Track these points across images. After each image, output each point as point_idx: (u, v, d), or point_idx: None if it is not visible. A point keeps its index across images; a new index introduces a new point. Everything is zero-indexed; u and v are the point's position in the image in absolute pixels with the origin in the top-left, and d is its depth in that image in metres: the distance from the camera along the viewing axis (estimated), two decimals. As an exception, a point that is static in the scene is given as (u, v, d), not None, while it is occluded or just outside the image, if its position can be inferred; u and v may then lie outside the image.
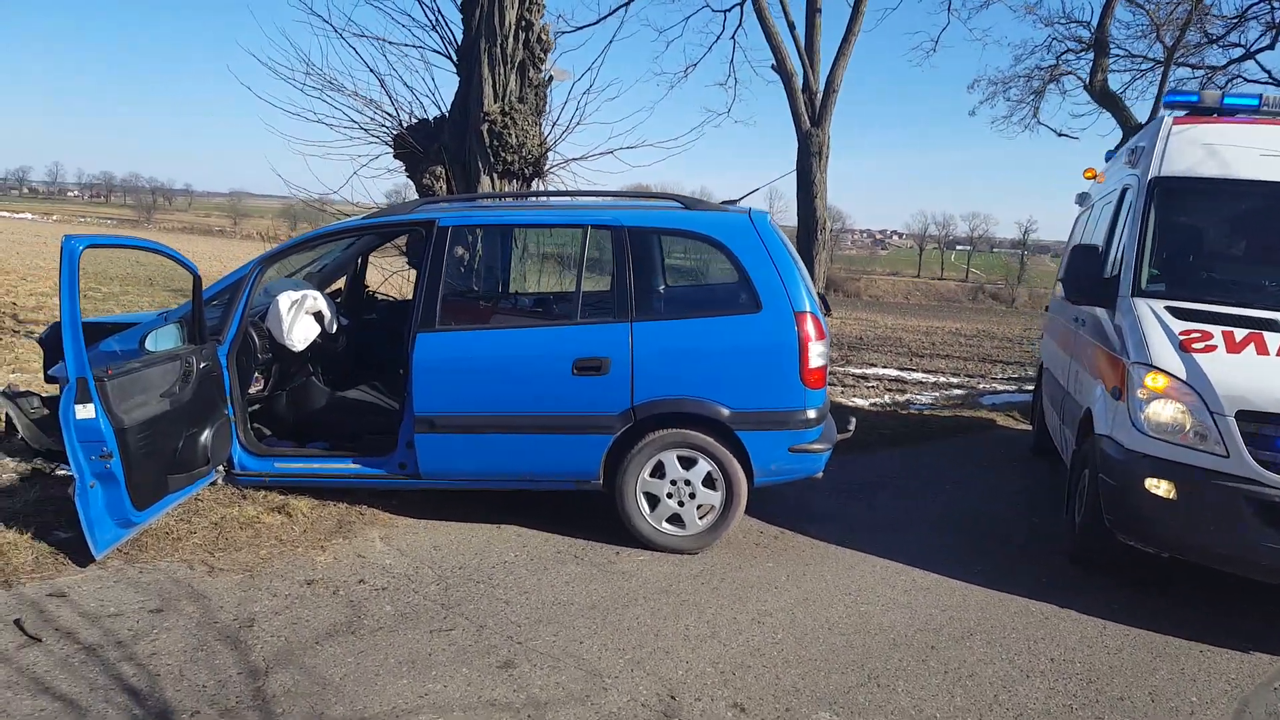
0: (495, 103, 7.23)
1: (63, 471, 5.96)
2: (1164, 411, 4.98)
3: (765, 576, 5.03)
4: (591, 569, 4.97)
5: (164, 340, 4.96)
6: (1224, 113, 6.62)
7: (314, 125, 8.48)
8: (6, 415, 5.65)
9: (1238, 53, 20.57)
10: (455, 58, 7.73)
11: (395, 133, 7.89)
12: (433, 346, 5.21)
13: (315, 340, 5.73)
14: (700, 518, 5.27)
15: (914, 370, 14.91)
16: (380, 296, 7.00)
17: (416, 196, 8.08)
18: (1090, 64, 19.98)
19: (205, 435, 5.06)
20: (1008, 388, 14.21)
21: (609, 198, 5.84)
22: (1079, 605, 4.97)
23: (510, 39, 6.97)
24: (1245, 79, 21.85)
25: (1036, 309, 60.43)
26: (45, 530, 4.72)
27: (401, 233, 5.75)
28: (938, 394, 12.87)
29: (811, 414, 5.20)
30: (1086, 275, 6.09)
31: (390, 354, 6.44)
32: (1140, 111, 19.87)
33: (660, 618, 4.40)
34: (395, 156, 7.93)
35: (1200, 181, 6.15)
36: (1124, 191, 6.90)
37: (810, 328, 5.13)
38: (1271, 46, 20.44)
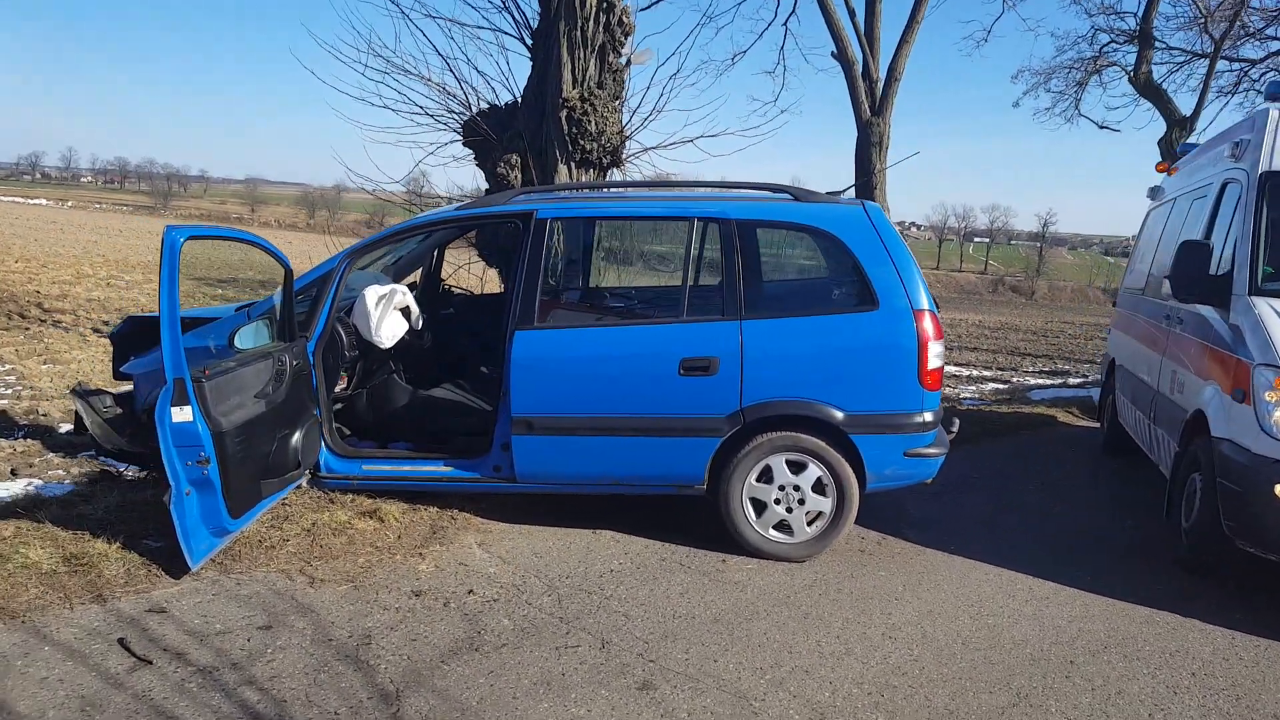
0: (574, 88, 6.98)
1: (131, 474, 5.77)
2: (1297, 415, 4.74)
3: (881, 587, 4.80)
4: (701, 578, 4.75)
5: (254, 337, 4.73)
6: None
7: (379, 111, 8.22)
8: (76, 413, 5.45)
9: (1276, 45, 20.24)
10: (529, 40, 7.47)
11: (465, 119, 7.64)
12: (532, 345, 4.98)
13: (402, 337, 5.50)
14: (809, 524, 5.04)
15: (946, 364, 14.70)
16: (457, 290, 6.76)
17: (486, 186, 7.86)
18: (1133, 56, 19.68)
19: (296, 437, 4.84)
20: (1051, 381, 13.98)
21: (708, 189, 5.59)
22: (1200, 614, 4.75)
23: (591, 21, 6.71)
24: (1278, 72, 21.52)
25: (1057, 302, 60.42)
26: (133, 539, 4.50)
27: (497, 224, 5.51)
28: (975, 388, 12.66)
29: (929, 417, 4.97)
30: (1196, 273, 5.83)
31: (468, 350, 6.23)
32: (1183, 104, 19.51)
33: (788, 632, 4.17)
34: (465, 144, 7.69)
35: (1314, 176, 5.89)
36: (1224, 186, 6.63)
37: (929, 326, 4.89)
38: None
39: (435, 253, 6.50)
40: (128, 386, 5.49)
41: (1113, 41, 21.56)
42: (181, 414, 4.08)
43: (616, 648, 3.90)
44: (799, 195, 5.25)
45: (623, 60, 7.21)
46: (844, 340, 4.90)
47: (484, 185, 7.98)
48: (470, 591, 4.39)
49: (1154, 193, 9.76)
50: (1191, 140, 13.43)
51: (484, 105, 7.53)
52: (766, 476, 5.01)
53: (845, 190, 5.48)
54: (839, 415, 4.88)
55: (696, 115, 14.13)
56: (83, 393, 5.32)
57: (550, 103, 7.05)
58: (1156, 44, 20.09)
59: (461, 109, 7.65)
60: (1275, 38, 20.37)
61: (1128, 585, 5.06)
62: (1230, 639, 4.49)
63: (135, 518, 4.74)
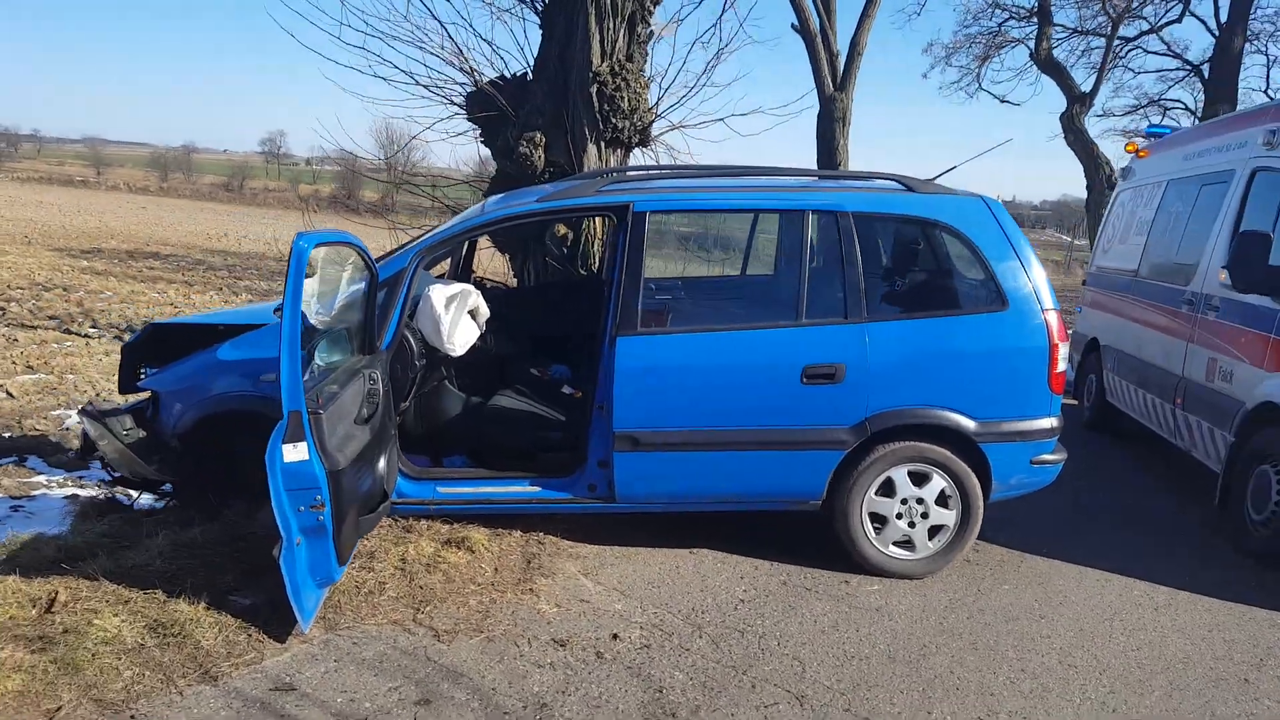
0: (604, 61, 6.40)
1: (144, 502, 5.01)
2: None
3: (1016, 604, 4.56)
4: (838, 605, 4.40)
5: (335, 351, 4.08)
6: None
7: (345, 74, 7.38)
8: (83, 435, 4.66)
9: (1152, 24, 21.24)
10: (538, 5, 6.82)
11: (470, 91, 6.94)
12: (636, 352, 4.48)
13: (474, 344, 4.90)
14: (930, 539, 4.76)
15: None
16: (490, 284, 6.13)
17: (495, 166, 7.20)
18: (1033, 32, 20.22)
19: (382, 463, 4.23)
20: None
21: (808, 177, 5.17)
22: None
23: (621, -13, 6.14)
24: (1145, 50, 22.68)
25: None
26: (216, 595, 3.80)
27: (586, 217, 4.95)
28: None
29: (1055, 423, 4.74)
30: (1258, 263, 5.80)
31: (518, 352, 5.65)
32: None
33: (970, 669, 3.86)
34: (470, 119, 7.00)
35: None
36: (1254, 174, 6.66)
37: (1057, 327, 4.65)
38: (1179, 20, 21.18)
39: (467, 243, 5.85)
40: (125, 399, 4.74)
41: (1012, 17, 22.14)
42: (295, 452, 3.44)
43: (816, 701, 3.51)
44: (911, 185, 4.90)
45: (649, 30, 6.67)
46: (973, 343, 4.61)
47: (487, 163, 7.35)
48: (615, 636, 3.91)
49: (1125, 173, 9.84)
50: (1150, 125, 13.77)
51: (491, 77, 6.84)
52: (887, 489, 4.69)
53: (939, 176, 5.16)
54: (970, 424, 4.60)
55: (731, 94, 13.57)
56: (96, 413, 4.53)
57: (577, 76, 6.46)
58: (1055, 24, 20.72)
59: (464, 80, 6.95)
60: (1142, 16, 21.35)
61: (1222, 583, 4.98)
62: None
63: (200, 565, 4.01)
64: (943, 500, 4.71)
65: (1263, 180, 6.67)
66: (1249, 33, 18.72)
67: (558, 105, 6.58)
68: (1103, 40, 20.88)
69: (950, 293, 4.77)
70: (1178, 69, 23.14)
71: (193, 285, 16.30)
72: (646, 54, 6.75)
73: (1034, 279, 4.67)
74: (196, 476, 4.71)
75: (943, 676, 3.79)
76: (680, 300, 4.99)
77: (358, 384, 3.99)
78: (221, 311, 5.52)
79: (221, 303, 13.85)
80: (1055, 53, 19.61)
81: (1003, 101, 22.83)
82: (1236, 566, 5.28)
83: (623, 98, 6.40)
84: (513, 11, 7.02)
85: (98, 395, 7.34)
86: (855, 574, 4.75)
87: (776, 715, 3.40)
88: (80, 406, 4.67)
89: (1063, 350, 4.67)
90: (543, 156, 6.48)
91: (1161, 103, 24.56)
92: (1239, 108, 13.66)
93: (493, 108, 6.69)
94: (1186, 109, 25.24)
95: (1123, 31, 21.14)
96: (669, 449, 4.54)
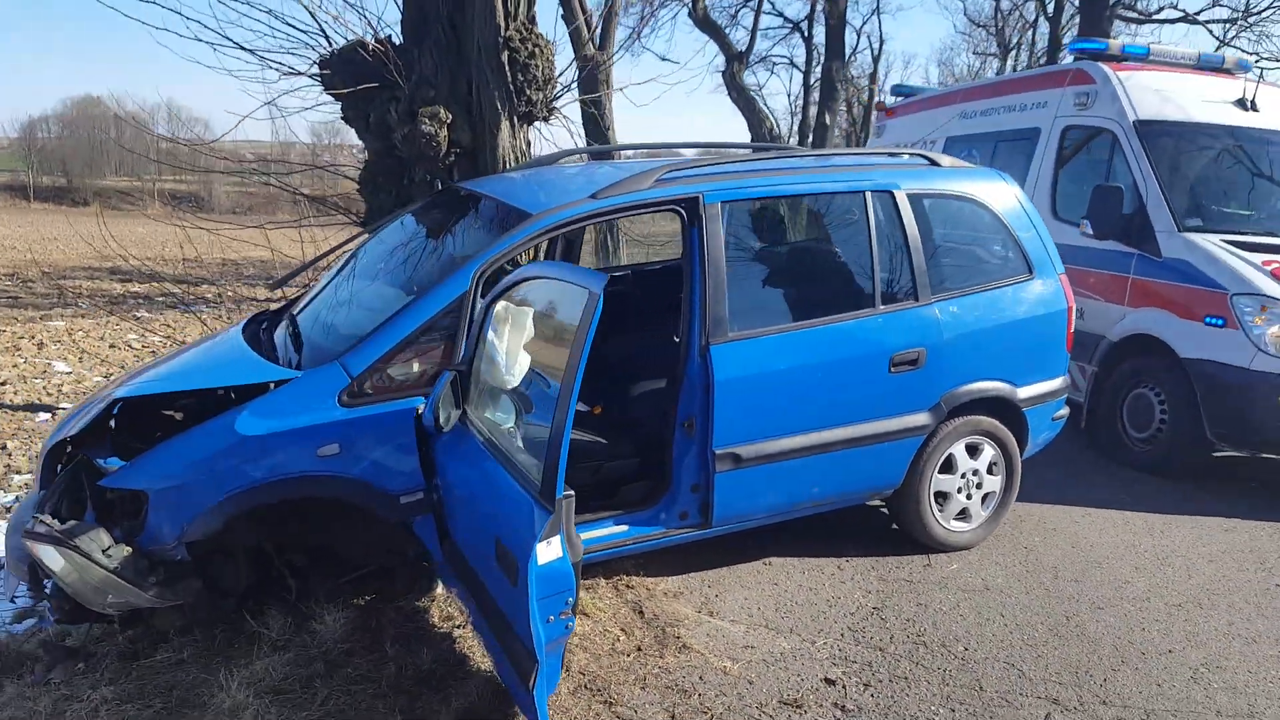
0: (511, 22, 5.55)
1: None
2: (1289, 334, 5.66)
3: (1075, 555, 4.80)
4: (949, 591, 4.35)
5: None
6: (1126, 59, 7.50)
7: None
8: (30, 568, 3.34)
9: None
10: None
11: (325, 56, 5.68)
12: (732, 361, 4.02)
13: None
14: (983, 507, 4.86)
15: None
16: None
17: (361, 144, 6.05)
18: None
19: None
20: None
21: (847, 156, 4.88)
22: (1240, 513, 5.51)
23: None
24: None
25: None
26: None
27: (652, 213, 4.24)
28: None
29: (1068, 379, 5.04)
30: (1114, 214, 6.56)
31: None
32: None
33: (1118, 613, 4.02)
34: (328, 90, 5.73)
35: (1172, 125, 6.95)
36: (1065, 131, 7.53)
37: (1068, 289, 4.92)
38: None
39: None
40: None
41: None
42: (549, 551, 2.67)
43: (1071, 700, 3.44)
44: (938, 161, 4.86)
45: (536, -12, 5.89)
46: (1013, 312, 4.72)
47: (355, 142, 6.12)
48: (828, 681, 3.54)
49: (879, 131, 10.66)
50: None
51: (333, 43, 5.63)
52: (947, 466, 4.70)
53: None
54: (1020, 392, 4.74)
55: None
56: (56, 535, 3.21)
57: (480, 42, 5.54)
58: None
59: (317, 42, 5.67)
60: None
61: (1151, 500, 5.66)
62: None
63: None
64: (991, 468, 4.82)
65: (1074, 136, 7.55)
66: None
67: (454, 76, 5.64)
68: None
69: (988, 265, 4.83)
70: (780, 26, 25.78)
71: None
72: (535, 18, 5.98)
73: (1049, 247, 4.89)
74: (218, 591, 3.52)
75: (1112, 629, 3.92)
76: (761, 295, 4.54)
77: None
78: (170, 367, 4.11)
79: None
80: (711, 13, 20.63)
81: (663, 59, 23.76)
82: (1161, 481, 5.99)
83: (537, 65, 5.62)
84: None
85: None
86: (922, 554, 4.73)
87: (1044, 716, 3.30)
88: (26, 529, 3.19)
89: (1074, 310, 4.95)
90: (447, 136, 5.53)
91: (770, 58, 27.18)
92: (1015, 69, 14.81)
93: (368, 78, 5.56)
94: (792, 64, 28.11)
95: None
96: (770, 461, 4.17)
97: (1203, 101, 7.14)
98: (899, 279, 4.47)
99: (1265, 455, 6.06)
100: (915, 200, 4.55)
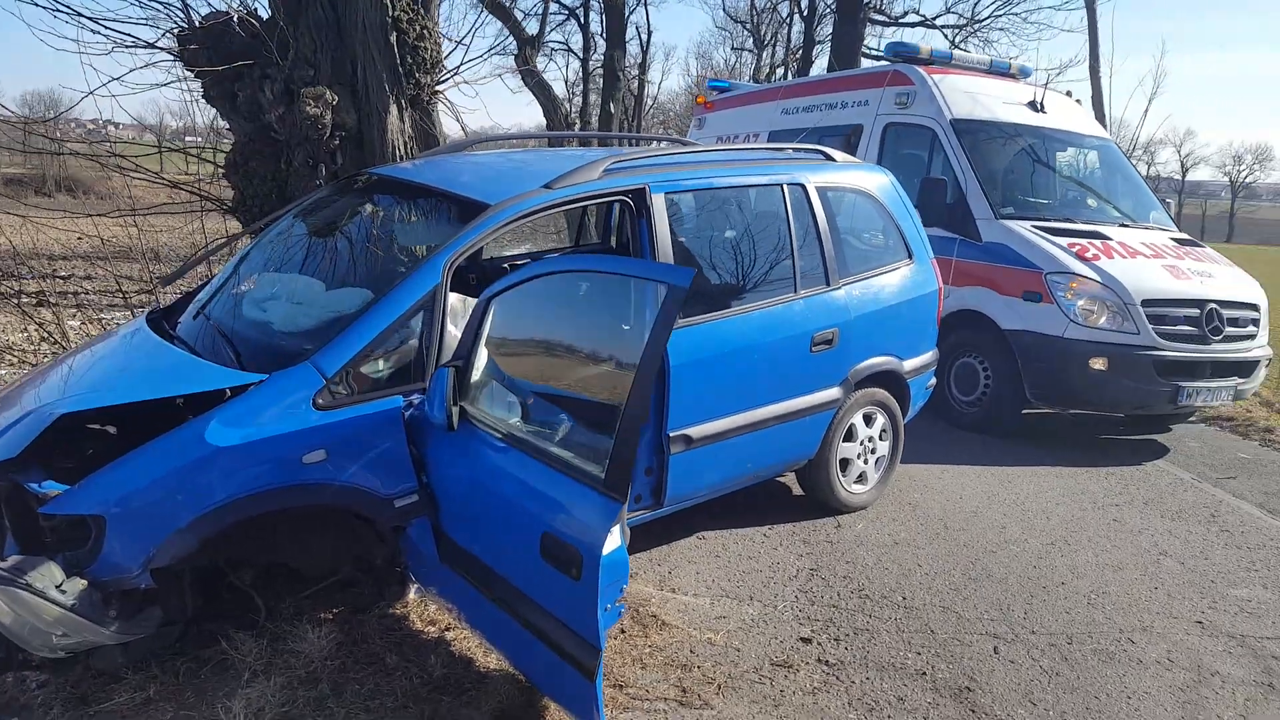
0: (398, 2, 5.34)
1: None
2: (1093, 307, 6.59)
3: (960, 503, 5.40)
4: (867, 548, 4.78)
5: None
6: (934, 63, 8.35)
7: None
8: None
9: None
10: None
11: (184, 32, 5.22)
12: (685, 346, 4.21)
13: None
14: (876, 470, 5.35)
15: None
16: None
17: (229, 125, 5.63)
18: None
19: None
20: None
21: (759, 150, 5.08)
22: (1051, 461, 6.41)
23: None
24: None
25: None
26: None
27: (603, 203, 4.20)
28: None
29: (937, 352, 5.62)
30: (939, 203, 7.31)
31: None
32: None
33: (1023, 547, 4.59)
34: (189, 67, 5.27)
35: (981, 124, 7.81)
36: (887, 128, 8.26)
37: (939, 272, 5.49)
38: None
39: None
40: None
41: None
42: (614, 540, 2.75)
43: (1007, 631, 3.94)
44: (833, 156, 5.24)
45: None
46: (901, 294, 5.21)
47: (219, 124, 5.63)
48: (805, 640, 3.82)
49: (699, 123, 11.12)
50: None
51: (209, 12, 5.20)
52: (849, 435, 5.13)
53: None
54: (904, 365, 5.24)
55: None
56: (2, 574, 2.90)
57: (365, 21, 5.30)
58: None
59: (175, 17, 5.19)
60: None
61: (989, 455, 6.49)
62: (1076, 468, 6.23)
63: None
64: (882, 435, 5.31)
65: (893, 134, 8.28)
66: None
67: (336, 56, 5.38)
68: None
69: (875, 251, 5.26)
70: (556, 12, 25.88)
71: None
72: (408, -4, 5.80)
73: (921, 234, 5.43)
74: (193, 617, 3.27)
75: (1010, 569, 4.48)
76: (702, 282, 4.66)
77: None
78: (94, 376, 3.69)
79: None
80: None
81: (449, 40, 23.02)
82: (988, 438, 6.79)
83: (425, 48, 5.49)
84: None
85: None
86: (829, 516, 5.16)
87: (993, 650, 3.77)
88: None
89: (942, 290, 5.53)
90: (331, 119, 5.29)
91: (547, 42, 27.18)
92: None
93: (239, 56, 5.21)
94: (570, 50, 28.32)
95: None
96: (715, 440, 4.39)
97: (1004, 103, 8.07)
98: (814, 265, 4.81)
99: (1074, 411, 7.02)
100: (821, 192, 4.91)
